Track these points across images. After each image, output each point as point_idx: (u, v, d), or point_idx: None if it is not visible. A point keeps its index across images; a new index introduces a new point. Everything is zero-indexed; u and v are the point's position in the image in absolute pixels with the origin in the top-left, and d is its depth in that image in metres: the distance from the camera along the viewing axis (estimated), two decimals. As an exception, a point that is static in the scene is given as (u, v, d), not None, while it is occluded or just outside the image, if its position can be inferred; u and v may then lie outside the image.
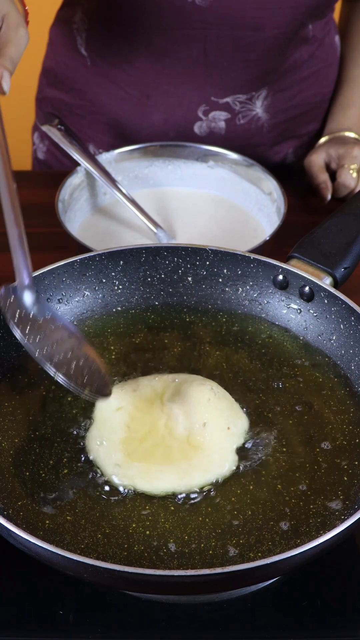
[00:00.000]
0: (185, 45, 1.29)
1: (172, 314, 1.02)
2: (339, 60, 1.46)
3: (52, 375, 0.82)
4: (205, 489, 0.83)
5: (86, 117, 1.42)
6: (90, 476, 0.84)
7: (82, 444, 0.87)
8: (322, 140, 1.40)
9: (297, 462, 0.85)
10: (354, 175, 1.32)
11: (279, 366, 0.96)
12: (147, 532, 0.79)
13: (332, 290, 0.96)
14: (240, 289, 1.03)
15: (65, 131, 1.27)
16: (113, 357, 0.97)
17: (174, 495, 0.82)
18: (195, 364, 0.96)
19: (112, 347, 0.98)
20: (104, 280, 1.02)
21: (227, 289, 1.03)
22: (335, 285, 0.98)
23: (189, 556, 0.77)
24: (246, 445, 0.87)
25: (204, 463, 0.84)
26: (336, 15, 1.46)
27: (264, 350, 0.98)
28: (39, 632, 0.81)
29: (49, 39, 1.46)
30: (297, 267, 0.98)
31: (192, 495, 0.82)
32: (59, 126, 1.28)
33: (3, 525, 0.73)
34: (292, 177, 1.37)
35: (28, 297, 0.87)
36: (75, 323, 1.00)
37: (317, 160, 1.35)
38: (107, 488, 0.83)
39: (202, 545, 0.78)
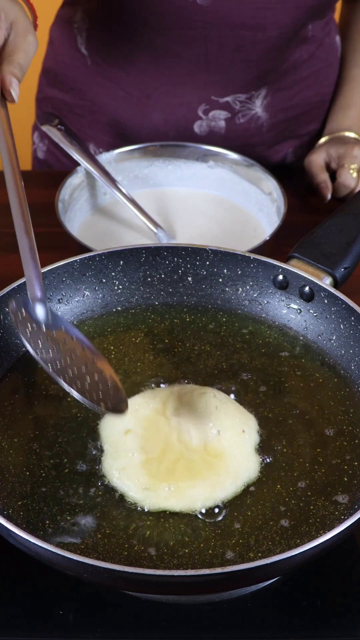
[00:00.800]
0: (186, 45, 1.29)
1: (172, 314, 1.02)
2: (339, 61, 1.46)
3: (67, 390, 0.78)
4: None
5: (86, 117, 1.42)
6: (90, 476, 0.84)
7: (82, 443, 0.87)
8: (322, 140, 1.40)
9: (297, 462, 0.85)
10: (354, 175, 1.32)
11: (279, 366, 0.96)
12: (147, 532, 0.79)
13: (332, 290, 0.96)
14: (240, 289, 1.03)
15: (65, 131, 1.27)
16: (113, 357, 0.97)
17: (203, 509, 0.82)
18: (196, 364, 0.96)
19: (112, 347, 0.98)
20: (104, 280, 1.02)
21: (227, 289, 1.03)
22: (335, 285, 0.98)
23: (189, 556, 0.77)
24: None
25: (231, 470, 0.83)
26: (337, 15, 1.46)
27: (263, 350, 0.98)
28: (39, 632, 0.81)
29: (49, 39, 1.46)
30: (297, 267, 0.98)
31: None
32: (59, 126, 1.28)
33: (3, 525, 0.73)
34: (292, 177, 1.37)
35: (40, 311, 0.84)
36: (75, 323, 1.00)
37: (317, 160, 1.36)
38: (107, 488, 0.83)
39: (202, 545, 0.78)
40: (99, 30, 1.35)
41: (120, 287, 1.03)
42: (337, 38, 1.44)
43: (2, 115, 0.91)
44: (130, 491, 0.82)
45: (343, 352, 0.96)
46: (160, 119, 1.37)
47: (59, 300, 1.00)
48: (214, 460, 0.84)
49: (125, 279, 1.03)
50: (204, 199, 1.31)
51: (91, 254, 1.01)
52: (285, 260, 1.00)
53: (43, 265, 0.98)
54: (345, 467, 0.85)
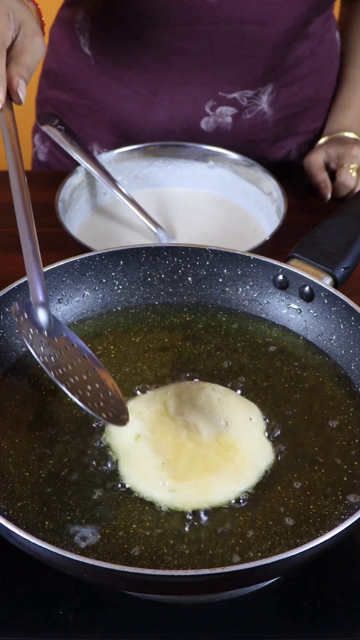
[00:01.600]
0: (192, 41, 1.29)
1: (172, 314, 1.02)
2: (339, 60, 1.46)
3: (69, 396, 0.78)
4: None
5: (88, 117, 1.42)
6: (90, 476, 0.84)
7: (82, 443, 0.87)
8: (322, 140, 1.41)
9: (297, 461, 0.85)
10: (354, 174, 1.32)
11: (279, 366, 0.96)
12: (147, 533, 0.79)
13: (332, 290, 0.96)
14: (240, 289, 1.03)
15: (66, 131, 1.27)
16: (112, 356, 0.97)
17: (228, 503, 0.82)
18: (195, 364, 0.96)
19: (112, 347, 0.98)
20: (104, 280, 1.02)
21: (227, 289, 1.03)
22: (335, 285, 0.98)
23: (189, 556, 0.77)
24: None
25: (247, 458, 0.84)
26: (336, 13, 1.46)
27: (264, 350, 0.98)
28: (39, 632, 0.81)
29: (49, 40, 1.46)
30: (297, 267, 0.98)
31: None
32: (59, 126, 1.28)
33: (3, 526, 0.73)
34: (292, 177, 1.37)
35: (42, 316, 0.84)
36: (75, 323, 1.00)
37: (316, 159, 1.36)
38: (107, 489, 0.83)
39: (202, 545, 0.78)
40: (103, 29, 1.35)
41: (120, 287, 1.03)
42: (337, 35, 1.45)
43: (7, 117, 0.90)
44: (156, 495, 0.81)
45: (343, 352, 0.96)
46: (166, 116, 1.37)
47: (59, 300, 1.00)
48: (229, 452, 0.84)
49: (125, 279, 1.03)
50: (204, 199, 1.31)
51: (91, 254, 1.01)
52: (285, 260, 1.00)
53: (43, 265, 0.98)
54: (346, 466, 0.85)
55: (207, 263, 1.02)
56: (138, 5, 1.27)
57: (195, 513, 0.81)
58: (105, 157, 1.28)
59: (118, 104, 1.39)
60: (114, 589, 0.83)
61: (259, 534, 0.79)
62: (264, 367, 0.96)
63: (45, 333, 0.83)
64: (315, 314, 0.99)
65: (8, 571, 0.85)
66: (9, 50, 0.92)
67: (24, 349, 0.96)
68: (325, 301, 0.97)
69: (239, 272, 1.02)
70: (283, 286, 1.00)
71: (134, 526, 0.80)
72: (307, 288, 0.98)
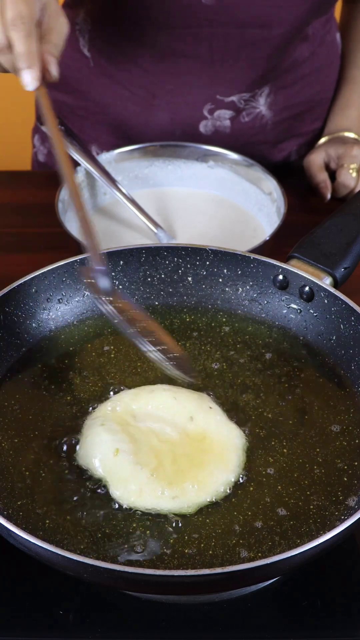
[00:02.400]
0: (192, 44, 1.29)
1: (172, 314, 1.02)
2: (340, 61, 1.46)
3: (145, 350, 0.83)
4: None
5: (89, 118, 1.42)
6: (90, 476, 0.84)
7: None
8: (322, 140, 1.41)
9: (297, 462, 0.86)
10: (354, 174, 1.32)
11: (279, 366, 0.96)
12: (147, 532, 0.79)
13: (332, 290, 0.96)
14: (240, 289, 1.03)
15: (65, 131, 1.27)
16: (112, 356, 0.97)
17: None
18: (195, 364, 0.96)
19: (112, 347, 0.98)
20: (104, 280, 1.02)
21: (227, 289, 1.03)
22: (335, 285, 0.98)
23: (189, 556, 0.77)
24: (247, 443, 0.87)
25: (224, 442, 0.85)
26: (337, 14, 1.46)
27: (263, 350, 0.98)
28: (39, 632, 0.81)
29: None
30: (297, 267, 0.98)
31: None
32: (59, 126, 1.28)
33: (3, 525, 0.73)
34: (292, 177, 1.37)
35: (106, 282, 0.88)
36: (75, 323, 1.00)
37: (316, 159, 1.36)
38: (107, 488, 0.83)
39: (202, 545, 0.78)
40: (102, 31, 1.35)
41: (120, 287, 1.03)
42: (338, 36, 1.45)
43: (43, 93, 0.95)
44: (161, 506, 0.81)
45: (343, 352, 0.96)
46: (165, 118, 1.37)
47: (59, 300, 1.00)
48: (204, 443, 0.85)
49: (125, 279, 1.03)
50: (204, 199, 1.31)
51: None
52: (285, 260, 1.00)
53: (43, 265, 0.98)
54: (345, 467, 0.85)
55: (207, 263, 1.02)
56: (137, 6, 1.27)
57: (196, 514, 0.81)
58: (105, 157, 1.28)
59: (117, 106, 1.39)
60: (114, 589, 0.83)
61: (259, 534, 0.79)
62: (263, 368, 0.96)
63: (111, 297, 0.87)
64: (315, 314, 0.99)
65: (8, 571, 0.85)
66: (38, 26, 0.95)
67: (24, 349, 0.96)
68: (325, 301, 0.97)
69: (239, 272, 1.02)
70: (283, 286, 1.00)
71: (134, 525, 0.80)
72: (307, 288, 0.98)
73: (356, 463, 0.85)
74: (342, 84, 1.45)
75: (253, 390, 0.93)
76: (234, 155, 1.30)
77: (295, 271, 0.98)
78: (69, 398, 0.91)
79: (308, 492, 0.83)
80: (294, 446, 0.87)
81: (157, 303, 1.03)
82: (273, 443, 0.87)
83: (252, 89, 1.35)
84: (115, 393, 0.91)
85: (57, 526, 0.79)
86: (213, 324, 1.01)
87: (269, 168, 1.28)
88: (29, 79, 0.94)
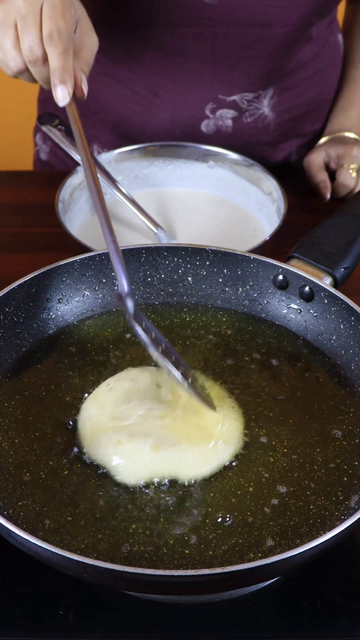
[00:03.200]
0: (194, 43, 1.29)
1: (172, 314, 1.02)
2: (342, 61, 1.46)
3: (182, 384, 0.83)
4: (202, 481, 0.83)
5: (90, 117, 1.42)
6: (90, 476, 0.84)
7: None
8: (322, 140, 1.41)
9: (297, 462, 0.86)
10: (354, 174, 1.32)
11: (279, 366, 0.96)
12: (147, 532, 0.79)
13: (332, 290, 0.96)
14: (240, 289, 1.03)
15: (66, 131, 1.27)
16: (112, 356, 0.96)
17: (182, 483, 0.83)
18: (195, 364, 0.96)
19: (111, 347, 0.98)
20: (104, 280, 1.02)
21: (227, 289, 1.03)
22: (335, 285, 0.98)
23: (189, 556, 0.77)
24: (244, 442, 0.87)
25: (221, 396, 0.89)
26: (340, 15, 1.46)
27: (264, 350, 0.98)
28: (39, 632, 0.81)
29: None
30: (297, 267, 0.98)
31: (192, 489, 0.82)
32: (59, 126, 1.28)
33: (3, 525, 0.73)
34: (292, 177, 1.37)
35: (130, 304, 0.87)
36: (75, 323, 1.00)
37: (316, 159, 1.36)
38: (108, 488, 0.83)
39: (202, 545, 0.78)
40: (104, 29, 1.35)
41: (120, 287, 1.03)
42: (340, 37, 1.45)
43: (74, 110, 0.96)
44: (188, 473, 0.83)
45: (343, 352, 0.96)
46: (167, 117, 1.37)
47: (59, 300, 1.00)
48: (196, 408, 0.86)
49: (125, 279, 1.03)
50: (204, 199, 1.31)
51: (91, 254, 1.01)
52: (285, 260, 1.00)
53: (43, 265, 0.98)
54: (345, 467, 0.85)
55: (207, 263, 1.02)
56: (139, 5, 1.27)
57: (195, 513, 0.81)
58: (105, 157, 1.28)
59: (119, 105, 1.39)
60: (114, 589, 0.83)
61: (259, 534, 0.79)
62: (263, 368, 0.96)
63: (142, 323, 0.87)
64: (315, 314, 0.99)
65: (8, 571, 0.85)
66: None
67: (24, 349, 0.96)
68: (325, 301, 0.97)
69: (239, 272, 1.02)
70: (283, 286, 1.00)
71: (134, 526, 0.80)
72: (307, 288, 0.98)
73: (356, 463, 0.85)
74: (344, 84, 1.45)
75: (253, 390, 0.93)
76: (234, 155, 1.30)
77: (295, 271, 0.98)
78: (68, 398, 0.91)
79: (308, 492, 0.83)
80: (294, 446, 0.87)
81: (157, 303, 1.03)
82: (273, 443, 0.87)
83: (254, 89, 1.35)
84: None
85: (57, 526, 0.79)
86: (213, 324, 1.01)
87: (269, 168, 1.28)
88: (63, 95, 0.94)
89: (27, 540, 0.72)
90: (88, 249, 1.08)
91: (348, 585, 0.86)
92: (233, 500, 0.82)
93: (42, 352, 0.97)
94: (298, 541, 0.78)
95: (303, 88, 1.40)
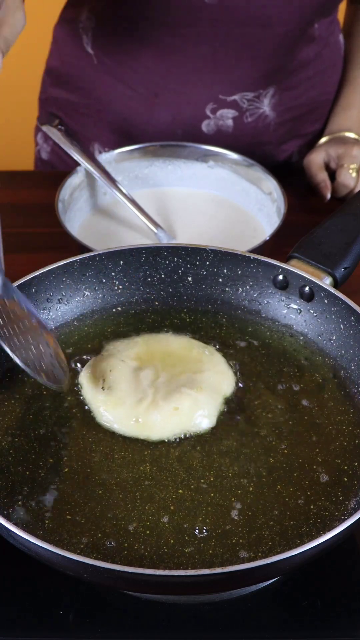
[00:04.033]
0: (194, 43, 1.29)
1: (172, 314, 1.02)
2: (342, 61, 1.46)
3: (11, 355, 0.83)
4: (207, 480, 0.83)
5: (92, 116, 1.42)
6: (90, 475, 0.84)
7: (82, 442, 0.87)
8: (322, 140, 1.41)
9: (297, 462, 0.86)
10: (354, 174, 1.32)
11: (279, 366, 0.96)
12: (147, 532, 0.79)
13: (332, 290, 0.96)
14: (240, 289, 1.03)
15: (66, 131, 1.27)
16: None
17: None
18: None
19: (111, 346, 0.98)
20: (104, 280, 1.02)
21: (227, 289, 1.03)
22: (335, 285, 0.98)
23: (189, 556, 0.77)
24: (244, 442, 0.87)
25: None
26: (340, 16, 1.46)
27: (264, 351, 0.98)
28: (39, 632, 0.81)
29: (53, 39, 1.46)
30: (297, 267, 0.98)
31: (192, 488, 0.82)
32: (59, 126, 1.28)
33: (3, 525, 0.73)
34: (292, 177, 1.37)
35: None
36: (75, 323, 1.00)
37: (316, 159, 1.36)
38: (107, 486, 0.83)
39: (202, 545, 0.78)
40: (105, 28, 1.35)
41: (120, 287, 1.03)
42: (341, 37, 1.45)
43: None
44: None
45: (343, 352, 0.96)
46: (168, 117, 1.37)
47: (59, 300, 1.00)
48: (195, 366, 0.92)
49: (125, 279, 1.03)
50: (204, 199, 1.31)
51: (91, 254, 1.01)
52: (285, 260, 1.00)
53: (43, 265, 0.98)
54: (345, 467, 0.85)
55: (207, 263, 1.02)
56: (140, 5, 1.27)
57: (196, 513, 0.81)
58: (105, 157, 1.28)
59: (120, 104, 1.39)
60: (114, 589, 0.83)
61: (259, 534, 0.79)
62: (263, 368, 0.96)
63: None
64: (315, 314, 0.99)
65: (8, 571, 0.85)
66: None
67: (24, 349, 0.96)
68: (325, 301, 0.97)
69: (239, 272, 1.02)
70: (283, 286, 1.00)
71: (134, 525, 0.80)
72: (307, 288, 0.98)
73: (356, 463, 0.85)
74: (344, 84, 1.45)
75: (253, 391, 0.93)
76: (234, 155, 1.30)
77: (295, 271, 0.98)
78: (69, 398, 0.91)
79: (308, 492, 0.83)
80: (294, 446, 0.87)
81: (157, 303, 1.03)
82: (273, 443, 0.87)
83: (255, 89, 1.35)
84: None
85: (57, 526, 0.79)
86: (213, 324, 1.01)
87: (271, 169, 1.28)
88: None
89: (27, 540, 0.72)
90: (88, 249, 1.08)
91: (348, 585, 0.86)
92: (233, 500, 0.82)
93: (42, 352, 0.97)
94: (298, 541, 0.78)
95: (304, 88, 1.40)
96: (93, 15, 1.36)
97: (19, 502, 0.81)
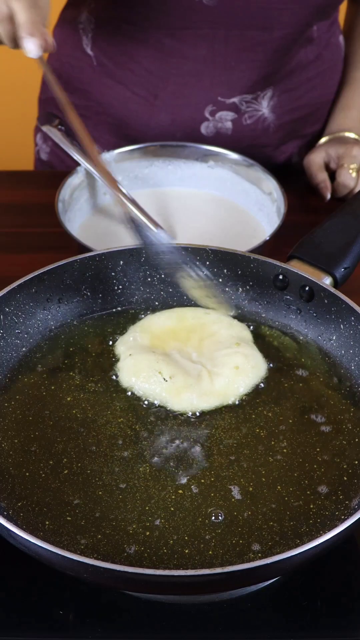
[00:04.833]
0: (193, 45, 1.29)
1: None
2: (343, 62, 1.46)
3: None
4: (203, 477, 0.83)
5: (91, 118, 1.42)
6: (90, 476, 0.84)
7: (82, 443, 0.87)
8: (322, 140, 1.41)
9: (297, 462, 0.86)
10: (354, 174, 1.32)
11: (279, 366, 0.96)
12: (147, 533, 0.79)
13: (332, 290, 0.96)
14: (240, 289, 1.03)
15: (66, 131, 1.27)
16: (111, 356, 0.96)
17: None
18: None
19: (111, 347, 0.98)
20: (104, 280, 1.02)
21: (227, 289, 1.03)
22: (335, 285, 0.98)
23: (189, 556, 0.77)
24: (244, 442, 0.87)
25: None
26: (341, 17, 1.46)
27: (263, 352, 0.98)
28: (39, 632, 0.81)
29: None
30: (297, 267, 0.98)
31: (192, 489, 0.82)
32: (59, 126, 1.28)
33: (3, 526, 0.73)
34: (292, 177, 1.37)
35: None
36: (75, 323, 1.00)
37: (316, 159, 1.36)
38: (107, 486, 0.83)
39: (202, 545, 0.78)
40: (105, 30, 1.35)
41: (120, 287, 1.03)
42: (341, 38, 1.45)
43: (44, 61, 1.04)
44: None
45: (343, 352, 0.96)
46: (167, 119, 1.37)
47: (59, 300, 1.00)
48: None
49: (125, 279, 1.03)
50: (204, 199, 1.31)
51: (91, 254, 1.01)
52: (285, 260, 1.00)
53: (43, 265, 0.98)
54: (345, 466, 0.85)
55: (207, 263, 1.02)
56: (139, 7, 1.27)
57: (196, 513, 0.81)
58: (105, 157, 1.28)
59: (119, 106, 1.39)
60: (114, 589, 0.83)
61: (259, 534, 0.79)
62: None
63: None
64: (315, 314, 0.99)
65: (8, 571, 0.85)
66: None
67: (24, 349, 0.96)
68: (325, 301, 0.97)
69: (239, 272, 1.02)
70: (283, 286, 1.00)
71: (134, 526, 0.80)
72: (307, 288, 0.98)
73: (356, 462, 0.85)
74: (344, 84, 1.45)
75: (253, 390, 0.93)
76: (234, 156, 1.30)
77: (295, 271, 0.98)
78: (69, 399, 0.91)
79: (308, 492, 0.83)
80: (294, 445, 0.87)
81: (157, 303, 1.03)
82: (273, 443, 0.87)
83: (254, 91, 1.35)
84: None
85: (57, 526, 0.79)
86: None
87: (270, 170, 1.28)
88: (33, 47, 0.98)
89: (27, 540, 0.72)
90: (88, 249, 1.08)
91: (348, 585, 0.86)
92: (233, 500, 0.82)
93: (42, 352, 0.97)
94: (298, 541, 0.78)
95: (304, 89, 1.40)
96: (93, 17, 1.36)
97: (20, 503, 0.81)
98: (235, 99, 1.35)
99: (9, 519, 0.76)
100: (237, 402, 0.91)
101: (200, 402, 0.90)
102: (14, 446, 0.86)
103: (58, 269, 0.99)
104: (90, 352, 0.97)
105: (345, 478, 0.84)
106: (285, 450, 0.87)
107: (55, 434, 0.87)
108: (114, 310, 1.02)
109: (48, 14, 1.04)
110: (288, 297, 1.00)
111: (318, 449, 0.87)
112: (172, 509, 0.81)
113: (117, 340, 0.97)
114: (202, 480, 0.84)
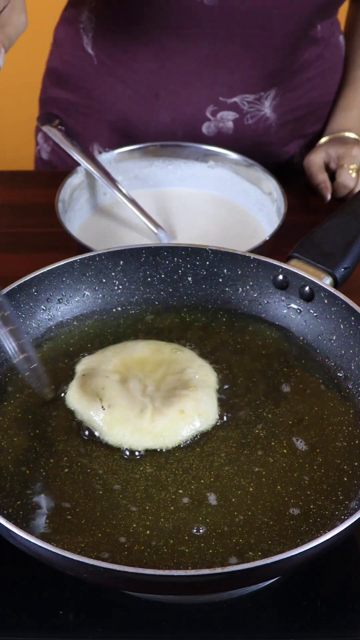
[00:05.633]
0: (194, 45, 1.29)
1: (172, 314, 1.02)
2: (343, 62, 1.46)
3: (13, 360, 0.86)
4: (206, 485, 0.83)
5: (92, 117, 1.42)
6: (90, 476, 0.84)
7: (82, 443, 0.87)
8: (322, 140, 1.41)
9: (297, 462, 0.86)
10: (354, 175, 1.32)
11: (279, 366, 0.96)
12: (147, 532, 0.79)
13: (332, 290, 0.96)
14: (240, 289, 1.03)
15: (66, 131, 1.27)
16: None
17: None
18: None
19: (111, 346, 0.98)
20: (104, 280, 1.02)
21: (227, 289, 1.03)
22: (335, 285, 0.98)
23: (189, 556, 0.77)
24: (244, 442, 0.87)
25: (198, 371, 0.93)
26: (341, 16, 1.46)
27: (264, 351, 0.98)
28: (39, 632, 0.81)
29: (53, 39, 1.46)
30: (297, 267, 0.98)
31: (192, 488, 0.82)
32: (59, 126, 1.28)
33: (3, 525, 0.73)
34: (292, 177, 1.37)
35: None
36: (75, 323, 1.00)
37: (316, 159, 1.36)
38: (107, 486, 0.83)
39: (202, 545, 0.78)
40: (106, 29, 1.35)
41: (120, 287, 1.03)
42: (341, 38, 1.45)
43: None
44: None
45: (343, 352, 0.96)
46: (168, 118, 1.37)
47: (59, 300, 1.00)
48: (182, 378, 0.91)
49: (125, 279, 1.03)
50: (204, 199, 1.31)
51: (91, 254, 1.01)
52: (285, 260, 1.00)
53: (43, 265, 0.98)
54: (345, 467, 0.85)
55: (207, 263, 1.02)
56: (140, 6, 1.27)
57: (196, 513, 0.81)
58: (105, 157, 1.28)
59: (120, 105, 1.39)
60: (114, 589, 0.83)
61: (259, 534, 0.79)
62: (264, 368, 0.96)
63: None
64: (315, 314, 0.99)
65: (8, 571, 0.85)
66: None
67: (24, 349, 0.96)
68: (325, 301, 0.97)
69: (239, 272, 1.02)
70: (283, 286, 1.00)
71: (134, 525, 0.80)
72: (307, 288, 0.98)
73: (356, 463, 0.85)
74: (345, 84, 1.45)
75: (253, 391, 0.93)
76: (234, 155, 1.30)
77: (295, 271, 0.98)
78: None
79: (308, 492, 0.83)
80: (294, 446, 0.87)
81: (157, 303, 1.03)
82: (273, 443, 0.87)
83: (256, 91, 1.35)
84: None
85: (57, 526, 0.79)
86: (213, 324, 1.01)
87: (272, 170, 1.28)
88: None
89: (27, 540, 0.72)
90: (88, 249, 1.08)
91: (348, 585, 0.86)
92: (233, 500, 0.82)
93: (42, 352, 0.97)
94: (298, 541, 0.78)
95: (305, 89, 1.40)
96: (93, 16, 1.36)
97: (19, 502, 0.81)
98: (236, 99, 1.34)
99: (8, 518, 0.76)
100: (181, 446, 0.87)
101: (131, 440, 0.86)
102: (13, 445, 0.86)
103: (58, 269, 0.99)
104: (90, 352, 0.97)
105: (345, 478, 0.84)
106: (285, 451, 0.87)
107: (55, 434, 0.87)
108: (114, 310, 1.02)
109: (15, 36, 0.98)
110: (288, 297, 1.00)
111: (318, 450, 0.87)
112: (172, 508, 0.81)
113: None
114: (202, 481, 0.84)
